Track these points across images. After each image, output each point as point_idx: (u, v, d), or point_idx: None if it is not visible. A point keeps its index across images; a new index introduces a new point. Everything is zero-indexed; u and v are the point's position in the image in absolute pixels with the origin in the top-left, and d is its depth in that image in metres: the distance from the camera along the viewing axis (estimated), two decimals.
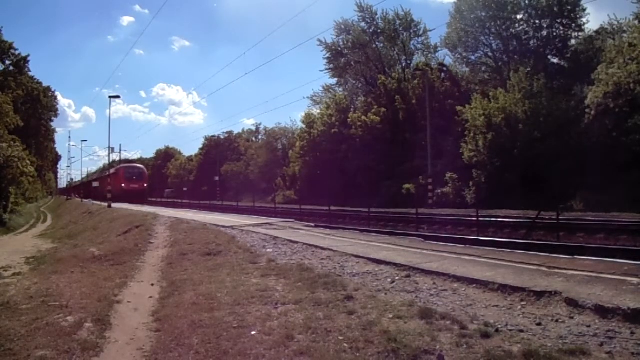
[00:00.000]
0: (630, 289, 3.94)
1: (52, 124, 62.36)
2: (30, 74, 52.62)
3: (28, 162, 29.70)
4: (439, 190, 22.85)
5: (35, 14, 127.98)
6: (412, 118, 27.86)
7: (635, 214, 13.50)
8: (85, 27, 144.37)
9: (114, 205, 25.19)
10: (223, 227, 10.51)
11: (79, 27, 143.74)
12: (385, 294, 4.46)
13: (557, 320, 3.45)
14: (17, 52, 48.13)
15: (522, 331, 3.28)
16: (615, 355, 2.84)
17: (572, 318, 3.48)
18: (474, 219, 14.09)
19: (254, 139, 57.08)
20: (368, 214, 17.14)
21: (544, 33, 26.58)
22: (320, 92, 39.02)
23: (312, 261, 6.25)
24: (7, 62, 47.57)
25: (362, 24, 32.83)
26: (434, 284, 4.70)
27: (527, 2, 26.58)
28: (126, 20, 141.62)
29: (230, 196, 42.21)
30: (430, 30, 33.25)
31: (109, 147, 35.73)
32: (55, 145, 72.50)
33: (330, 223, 10.68)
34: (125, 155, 62.94)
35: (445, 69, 30.77)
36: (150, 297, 5.37)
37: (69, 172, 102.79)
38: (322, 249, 6.97)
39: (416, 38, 33.00)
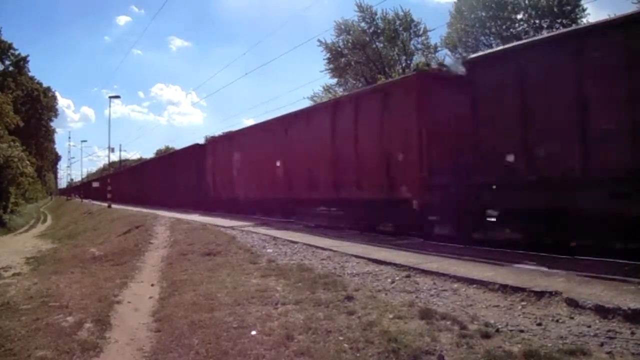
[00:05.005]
0: (630, 289, 3.94)
1: (52, 124, 62.43)
2: (30, 74, 52.69)
3: (28, 162, 29.70)
4: None
5: (32, 14, 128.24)
6: None
7: None
8: (82, 26, 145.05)
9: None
10: (223, 227, 10.51)
11: (76, 26, 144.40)
12: (386, 294, 4.46)
13: (557, 320, 3.45)
14: (16, 52, 48.25)
15: (522, 331, 3.28)
16: (615, 355, 2.84)
17: (572, 318, 3.48)
18: None
19: None
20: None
21: (544, 33, 26.60)
22: (320, 92, 38.95)
23: (312, 261, 6.25)
24: (7, 62, 47.65)
25: (362, 24, 32.79)
26: (434, 284, 4.70)
27: (527, 2, 26.60)
28: (122, 19, 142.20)
29: None
30: (430, 30, 33.21)
31: (108, 147, 35.63)
32: (55, 145, 72.60)
33: (330, 223, 10.65)
34: (125, 155, 62.87)
35: (445, 69, 30.69)
36: (150, 297, 5.37)
37: (69, 172, 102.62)
38: (323, 249, 6.97)
39: (416, 38, 32.95)
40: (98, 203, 32.27)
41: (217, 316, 4.07)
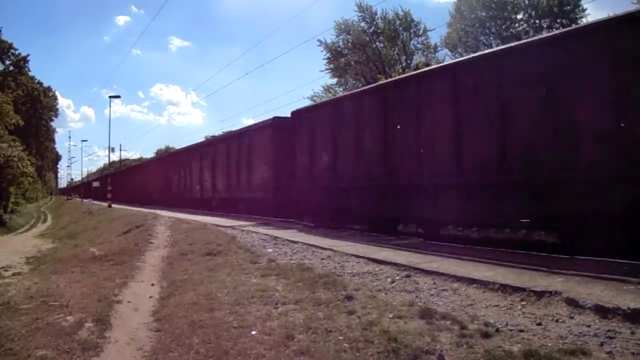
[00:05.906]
0: (630, 289, 3.94)
1: (52, 123, 62.49)
2: (30, 73, 52.73)
3: (28, 162, 29.72)
4: None
5: (32, 14, 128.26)
6: None
7: None
8: (82, 26, 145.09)
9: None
10: (223, 227, 10.51)
11: (76, 26, 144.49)
12: (386, 293, 4.46)
13: (557, 320, 3.45)
14: (17, 52, 48.34)
15: (522, 331, 3.28)
16: (615, 355, 2.84)
17: (572, 318, 3.48)
18: None
19: None
20: None
21: (544, 33, 26.60)
22: (321, 92, 38.91)
23: (312, 261, 6.25)
24: (7, 62, 47.72)
25: (362, 24, 32.78)
26: (434, 283, 4.70)
27: (527, 2, 26.60)
28: (122, 19, 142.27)
29: None
30: (430, 30, 33.19)
31: (109, 147, 35.57)
32: (55, 145, 72.67)
33: (331, 222, 10.73)
34: (125, 155, 62.84)
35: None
36: (151, 297, 5.37)
37: (69, 172, 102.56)
38: (323, 248, 6.97)
39: (416, 38, 32.94)
40: (98, 203, 32.27)
41: (217, 316, 4.08)
